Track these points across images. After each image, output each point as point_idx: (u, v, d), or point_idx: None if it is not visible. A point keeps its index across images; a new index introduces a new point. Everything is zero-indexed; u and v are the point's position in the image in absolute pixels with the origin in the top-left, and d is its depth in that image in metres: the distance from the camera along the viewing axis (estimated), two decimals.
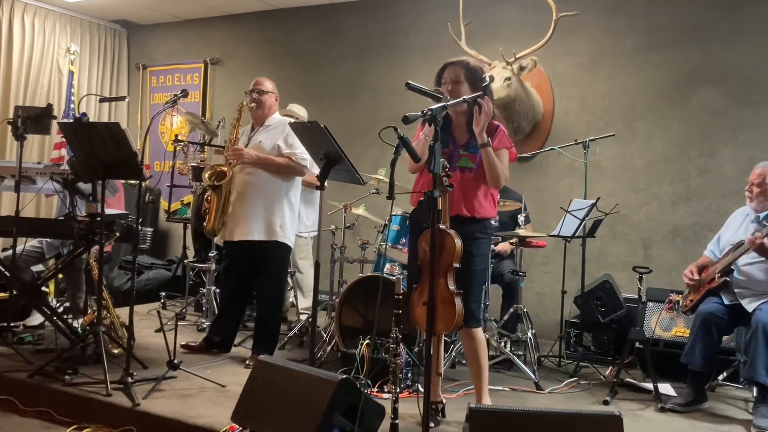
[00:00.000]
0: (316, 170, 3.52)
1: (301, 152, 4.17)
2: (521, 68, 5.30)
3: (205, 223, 4.25)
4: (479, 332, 3.19)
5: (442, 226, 2.77)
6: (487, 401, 3.23)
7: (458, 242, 2.77)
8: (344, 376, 2.45)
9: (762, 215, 3.82)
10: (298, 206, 4.41)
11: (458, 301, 2.78)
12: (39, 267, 4.98)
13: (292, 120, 4.38)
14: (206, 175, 4.16)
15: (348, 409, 2.48)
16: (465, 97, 2.85)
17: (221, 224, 4.20)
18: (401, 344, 3.61)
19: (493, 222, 3.89)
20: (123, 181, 6.32)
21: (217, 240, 4.90)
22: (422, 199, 3.09)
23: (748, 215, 3.93)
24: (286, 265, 4.47)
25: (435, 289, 2.41)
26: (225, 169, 4.15)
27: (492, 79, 2.84)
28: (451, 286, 2.80)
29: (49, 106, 4.36)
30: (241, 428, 2.80)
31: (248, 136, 4.36)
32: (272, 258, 4.23)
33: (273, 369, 2.69)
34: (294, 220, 4.35)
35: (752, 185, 3.86)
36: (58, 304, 5.05)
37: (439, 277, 2.77)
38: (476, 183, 3.16)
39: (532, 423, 2.18)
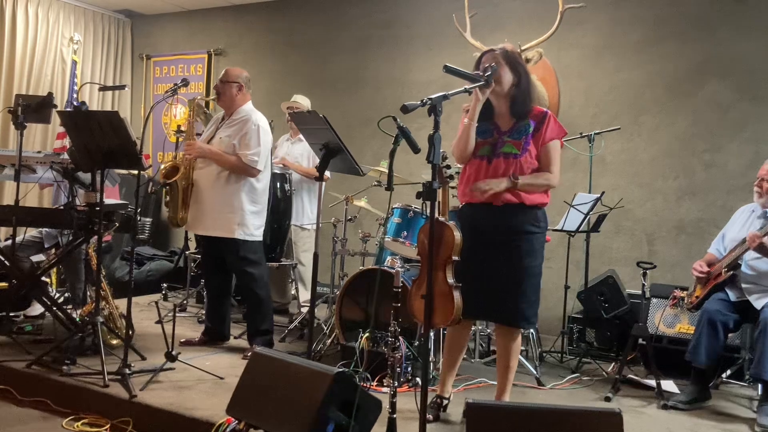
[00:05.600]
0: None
1: (252, 153, 4.04)
2: (526, 60, 5.22)
3: (169, 215, 4.21)
4: (519, 335, 3.13)
5: (441, 219, 2.73)
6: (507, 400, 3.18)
7: (457, 235, 2.72)
8: (340, 370, 2.42)
9: None
10: (264, 201, 4.27)
11: (457, 295, 2.73)
12: (40, 257, 4.97)
13: (258, 115, 4.22)
14: (162, 171, 4.13)
15: (344, 402, 2.44)
16: (466, 87, 2.78)
17: (183, 215, 4.16)
18: (401, 338, 3.60)
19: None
20: (125, 171, 6.31)
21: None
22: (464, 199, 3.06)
23: (754, 212, 3.87)
24: (255, 259, 4.22)
25: (434, 282, 2.36)
26: (177, 163, 4.11)
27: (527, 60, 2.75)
28: (450, 280, 2.76)
29: (50, 95, 4.35)
30: (237, 421, 2.78)
31: (216, 125, 4.29)
32: (238, 255, 4.13)
33: (269, 361, 2.66)
34: (257, 215, 4.19)
35: (762, 180, 3.78)
36: (58, 295, 5.04)
37: (438, 270, 2.73)
38: (522, 170, 3.04)
39: (530, 418, 2.14)
